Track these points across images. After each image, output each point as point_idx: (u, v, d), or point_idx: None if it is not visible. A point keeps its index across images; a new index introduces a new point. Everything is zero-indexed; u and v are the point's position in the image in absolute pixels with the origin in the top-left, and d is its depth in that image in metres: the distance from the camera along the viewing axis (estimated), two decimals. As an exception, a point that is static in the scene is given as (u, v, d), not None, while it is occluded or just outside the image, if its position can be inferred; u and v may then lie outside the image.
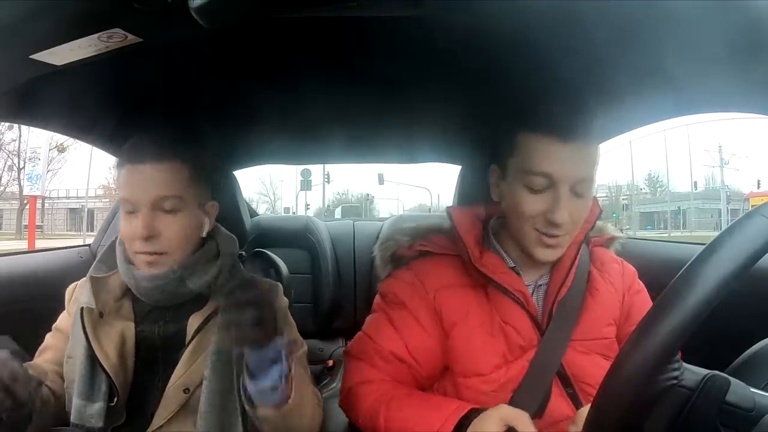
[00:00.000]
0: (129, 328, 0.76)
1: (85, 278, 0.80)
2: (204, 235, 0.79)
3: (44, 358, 0.81)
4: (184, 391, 0.73)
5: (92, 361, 0.73)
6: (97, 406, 0.71)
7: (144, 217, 0.72)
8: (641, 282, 0.83)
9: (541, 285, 0.77)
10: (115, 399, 0.72)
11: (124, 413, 0.73)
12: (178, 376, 0.74)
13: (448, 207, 0.82)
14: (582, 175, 0.69)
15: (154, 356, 0.76)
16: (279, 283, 0.86)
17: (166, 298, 0.76)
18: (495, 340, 0.72)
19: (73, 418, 0.72)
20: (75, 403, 0.72)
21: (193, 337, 0.75)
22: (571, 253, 0.75)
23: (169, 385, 0.74)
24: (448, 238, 0.80)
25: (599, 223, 0.87)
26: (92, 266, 0.83)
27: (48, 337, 0.83)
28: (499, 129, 0.78)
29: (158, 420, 0.73)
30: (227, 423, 0.73)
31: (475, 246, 0.75)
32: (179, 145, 0.76)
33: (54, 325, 0.84)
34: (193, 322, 0.76)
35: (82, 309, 0.74)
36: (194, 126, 0.85)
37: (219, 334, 0.74)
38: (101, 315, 0.75)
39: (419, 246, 0.80)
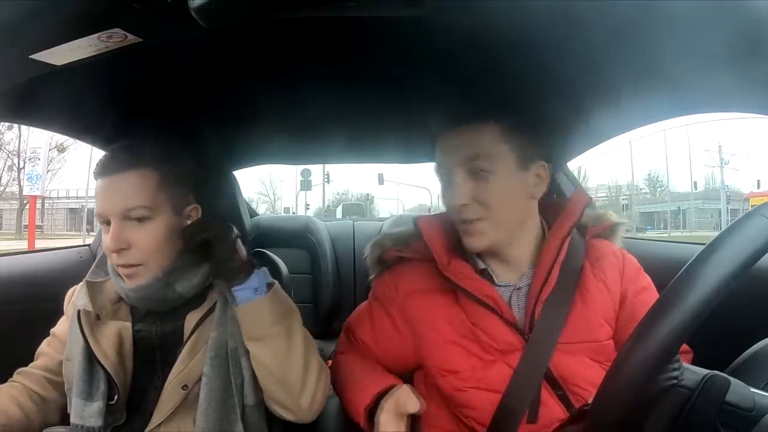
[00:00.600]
0: (126, 329, 0.76)
1: (82, 283, 0.81)
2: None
3: (36, 363, 0.82)
4: (183, 387, 0.74)
5: (90, 360, 0.73)
6: (96, 405, 0.71)
7: (113, 230, 0.71)
8: (648, 276, 0.79)
9: (521, 287, 0.75)
10: (115, 397, 0.72)
11: (124, 412, 0.74)
12: (176, 373, 0.74)
13: (414, 217, 0.82)
14: (468, 153, 0.71)
15: (152, 355, 0.77)
16: (276, 281, 0.86)
17: (158, 305, 0.77)
18: (466, 341, 0.73)
19: (72, 418, 0.73)
20: (74, 403, 0.73)
21: (191, 335, 0.76)
22: (552, 249, 0.72)
23: (168, 382, 0.74)
24: (424, 244, 0.80)
25: (599, 211, 0.86)
26: (90, 271, 0.83)
27: (44, 343, 0.84)
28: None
29: (157, 417, 0.73)
30: (226, 419, 0.73)
31: (444, 253, 0.75)
32: (146, 152, 0.74)
33: (52, 330, 0.84)
34: (191, 319, 0.77)
35: (79, 311, 0.75)
36: (174, 128, 0.85)
37: (216, 329, 0.75)
38: (98, 317, 0.75)
39: (395, 253, 0.83)
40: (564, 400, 0.70)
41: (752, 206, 0.47)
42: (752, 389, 0.43)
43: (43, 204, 20.90)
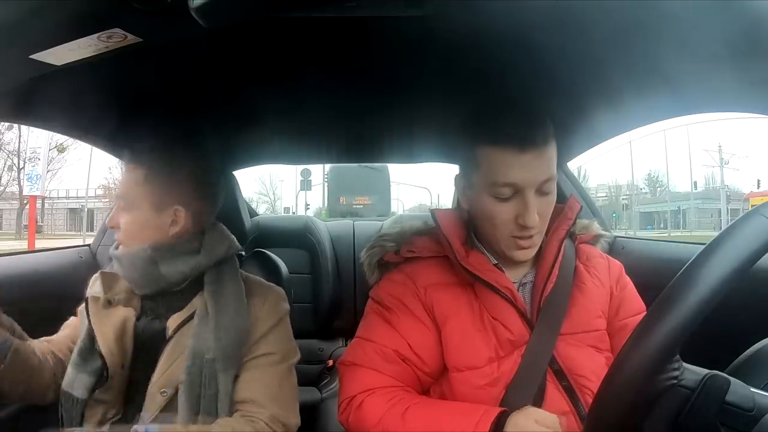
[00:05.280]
0: (131, 318, 0.79)
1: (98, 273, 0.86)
2: (171, 234, 0.80)
3: (60, 333, 0.87)
4: (162, 393, 0.75)
5: (91, 339, 0.76)
6: (86, 378, 0.75)
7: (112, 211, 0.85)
8: (629, 277, 0.84)
9: (525, 283, 0.79)
10: (106, 377, 0.74)
11: (121, 406, 0.76)
12: (157, 377, 0.76)
13: (432, 209, 0.82)
14: (545, 176, 0.71)
15: (147, 353, 0.78)
16: (282, 289, 0.88)
17: (142, 279, 0.79)
18: (486, 335, 0.73)
19: (63, 385, 0.76)
20: (68, 372, 0.77)
21: (171, 337, 0.77)
22: (553, 249, 0.77)
23: (150, 385, 0.75)
24: (432, 240, 0.81)
25: (585, 221, 0.90)
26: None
27: (71, 318, 0.89)
28: (457, 143, 0.79)
29: (145, 418, 0.74)
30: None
31: (461, 246, 0.76)
32: (139, 150, 0.81)
33: (78, 309, 0.88)
34: (172, 322, 0.79)
35: (87, 299, 0.79)
36: (174, 128, 0.85)
37: (193, 338, 0.76)
38: (110, 302, 0.80)
39: (407, 253, 0.81)
40: (569, 391, 0.71)
41: (752, 206, 0.46)
42: (752, 389, 0.43)
43: (43, 204, 20.92)
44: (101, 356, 0.74)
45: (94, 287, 0.82)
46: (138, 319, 0.80)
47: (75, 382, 0.75)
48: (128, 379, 0.77)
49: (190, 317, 0.78)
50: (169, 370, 0.76)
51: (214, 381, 0.75)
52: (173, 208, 0.80)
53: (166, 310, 0.80)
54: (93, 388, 0.74)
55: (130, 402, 0.76)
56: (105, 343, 0.75)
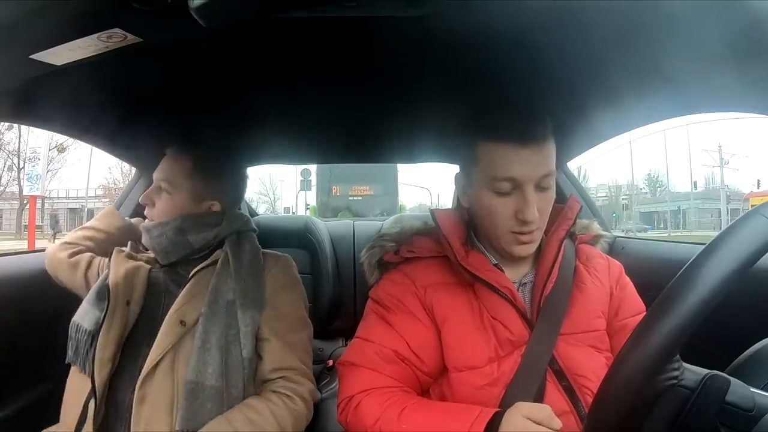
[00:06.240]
0: (145, 267, 0.90)
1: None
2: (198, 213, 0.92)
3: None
4: (181, 323, 0.80)
5: (106, 280, 0.86)
6: (96, 314, 0.83)
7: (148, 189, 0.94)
8: (629, 277, 0.84)
9: (525, 283, 0.79)
10: (107, 303, 0.83)
11: (118, 331, 0.82)
12: (176, 308, 0.82)
13: (432, 209, 0.82)
14: (545, 171, 0.71)
15: (160, 297, 0.87)
16: (290, 257, 0.99)
17: (170, 246, 0.88)
18: (486, 334, 0.73)
19: (75, 317, 0.86)
20: (81, 306, 0.87)
21: (191, 278, 0.86)
22: (553, 249, 0.77)
23: (168, 317, 0.81)
24: (432, 240, 0.82)
25: (585, 221, 0.90)
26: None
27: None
28: (457, 141, 0.79)
29: (155, 353, 0.78)
30: (225, 363, 0.79)
31: (461, 246, 0.77)
32: (184, 142, 0.93)
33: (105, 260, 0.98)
34: (194, 269, 0.88)
35: (113, 250, 0.91)
36: (197, 126, 0.95)
37: (216, 278, 0.84)
38: (132, 257, 0.92)
39: (406, 253, 0.82)
40: (569, 391, 0.71)
41: (752, 206, 0.46)
42: (752, 389, 0.44)
43: (43, 204, 20.91)
44: (108, 288, 0.83)
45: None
46: (152, 271, 0.89)
47: (86, 315, 0.84)
48: (137, 317, 0.84)
49: (213, 264, 0.88)
50: (188, 304, 0.82)
51: (235, 320, 0.82)
52: (210, 202, 0.93)
53: (185, 267, 0.89)
54: (100, 322, 0.81)
55: (140, 339, 0.82)
56: (114, 279, 0.85)
